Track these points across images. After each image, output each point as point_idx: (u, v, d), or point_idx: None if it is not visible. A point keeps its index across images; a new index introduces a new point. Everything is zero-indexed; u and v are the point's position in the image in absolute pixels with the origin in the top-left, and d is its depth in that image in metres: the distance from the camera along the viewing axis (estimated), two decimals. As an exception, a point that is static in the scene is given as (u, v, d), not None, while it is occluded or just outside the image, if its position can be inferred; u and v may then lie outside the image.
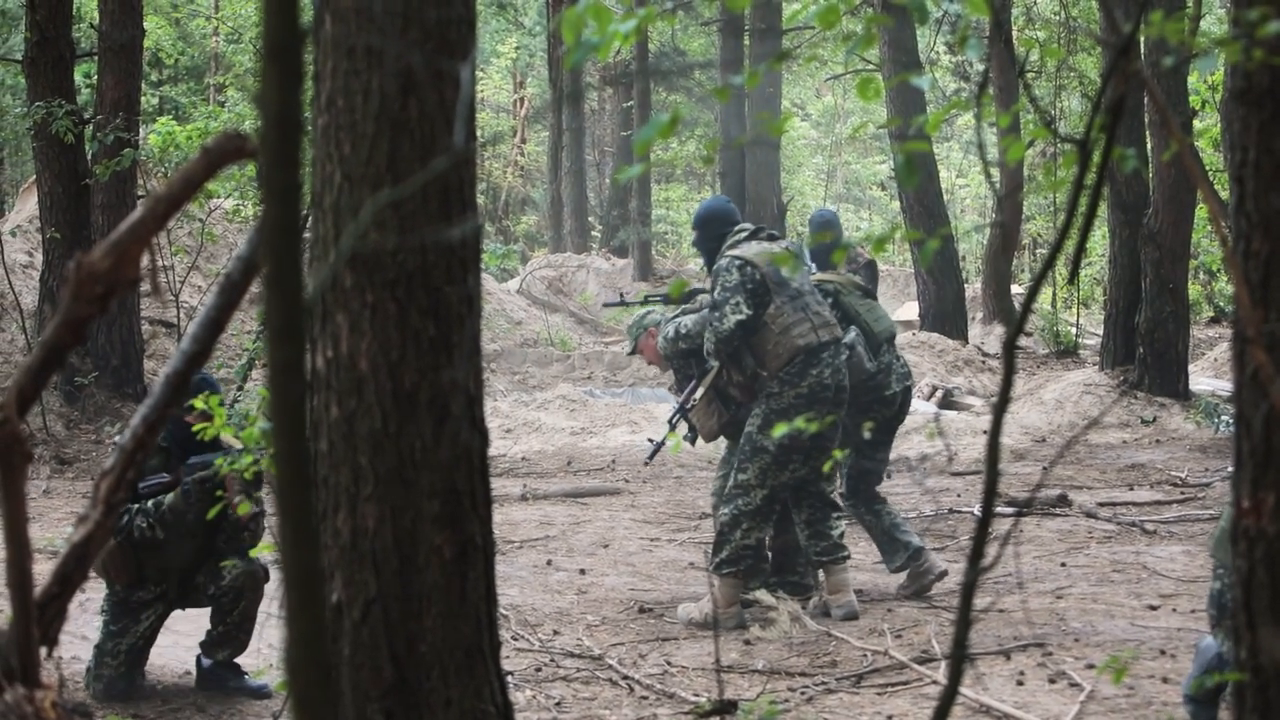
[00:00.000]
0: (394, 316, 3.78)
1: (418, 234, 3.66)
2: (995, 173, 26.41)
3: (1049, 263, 3.14)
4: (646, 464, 10.13)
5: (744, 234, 8.49)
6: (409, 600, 3.80)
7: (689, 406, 8.60)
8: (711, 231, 8.61)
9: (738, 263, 8.27)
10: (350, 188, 3.76)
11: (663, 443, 8.86)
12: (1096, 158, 2.95)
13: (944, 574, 8.89)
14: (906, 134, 17.67)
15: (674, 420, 8.78)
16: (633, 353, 9.25)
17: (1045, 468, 13.94)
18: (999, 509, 11.35)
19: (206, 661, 7.28)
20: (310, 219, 3.89)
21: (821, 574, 8.58)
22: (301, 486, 1.69)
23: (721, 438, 8.72)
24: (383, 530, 3.80)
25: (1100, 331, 21.95)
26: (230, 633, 7.23)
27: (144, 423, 3.58)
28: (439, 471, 3.82)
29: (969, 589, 3.18)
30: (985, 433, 15.53)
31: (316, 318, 3.83)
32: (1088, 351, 24.11)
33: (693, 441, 8.74)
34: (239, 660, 7.31)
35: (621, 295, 9.34)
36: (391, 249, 3.74)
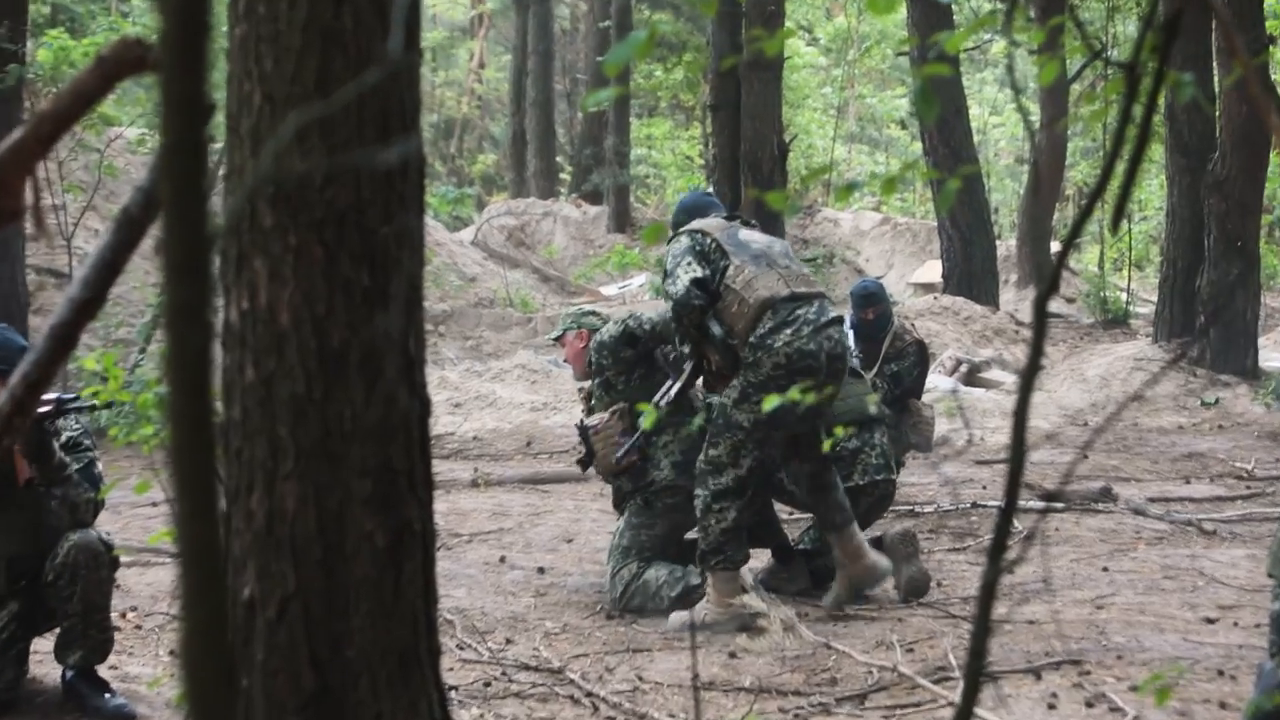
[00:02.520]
0: (321, 262, 3.77)
1: (347, 158, 3.64)
2: (1032, 107, 26.43)
3: (1090, 206, 3.14)
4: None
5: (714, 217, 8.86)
6: (334, 596, 3.80)
7: (661, 404, 8.84)
8: (685, 224, 8.90)
9: (686, 230, 8.63)
10: (272, 110, 3.75)
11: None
12: (1147, 84, 2.95)
13: (908, 532, 9.01)
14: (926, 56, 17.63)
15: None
16: (556, 340, 9.62)
17: (1083, 453, 13.98)
18: (1031, 503, 11.38)
19: (69, 672, 7.00)
20: (225, 147, 3.88)
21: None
22: (201, 450, 1.69)
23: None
24: (304, 513, 3.79)
25: (1154, 298, 21.99)
26: (76, 628, 6.89)
27: (24, 382, 3.57)
28: (371, 445, 3.81)
29: (989, 589, 3.19)
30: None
31: (231, 263, 3.82)
32: (1140, 321, 24.23)
33: (584, 466, 9.22)
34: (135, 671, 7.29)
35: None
36: (319, 182, 3.73)
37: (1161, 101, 16.12)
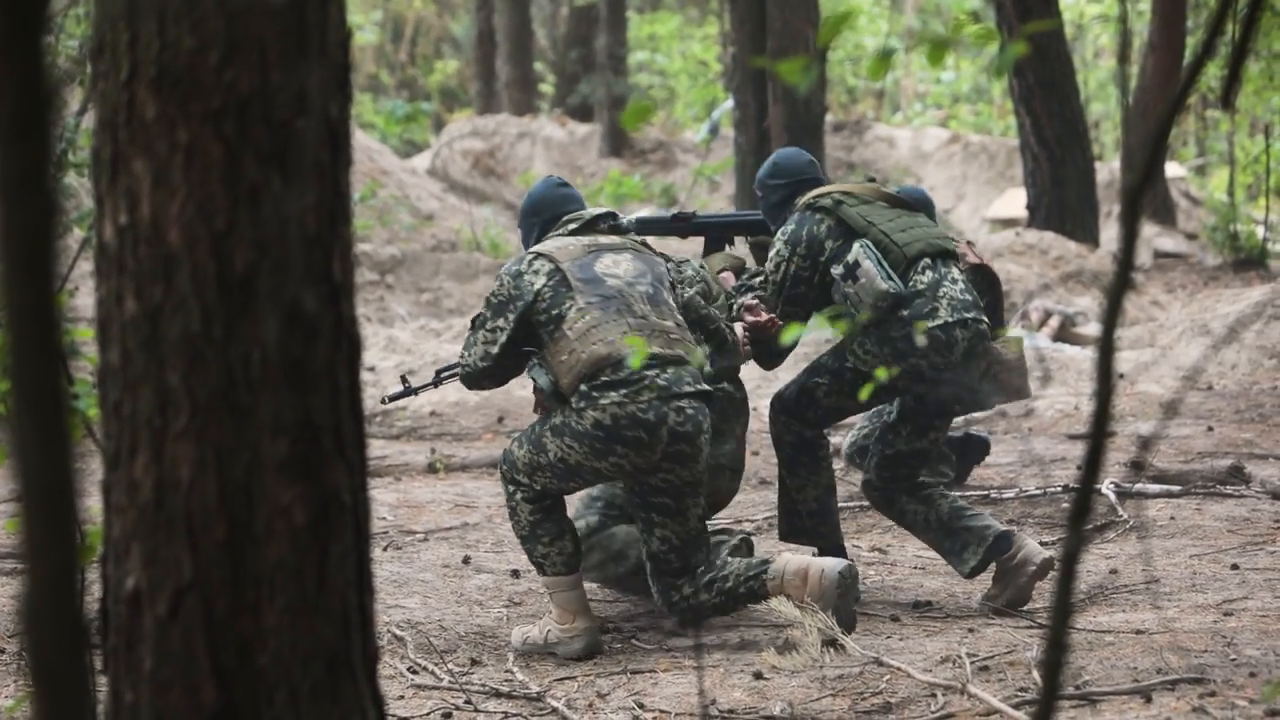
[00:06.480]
0: (219, 164, 3.76)
1: (251, 25, 3.63)
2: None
3: (1193, 72, 3.14)
4: (384, 402, 10.17)
5: (573, 224, 8.72)
6: (242, 587, 3.80)
7: None
8: (533, 229, 8.92)
9: (533, 252, 8.56)
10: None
11: (415, 391, 9.55)
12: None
13: (1049, 563, 8.93)
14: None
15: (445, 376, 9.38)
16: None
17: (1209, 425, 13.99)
18: (1140, 485, 11.38)
19: None
20: (93, 16, 3.87)
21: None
22: (43, 348, 1.69)
23: None
24: (203, 483, 3.79)
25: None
26: None
27: None
28: (287, 395, 3.81)
29: (1071, 560, 3.20)
30: (1121, 378, 15.57)
31: (104, 166, 3.82)
32: (1280, 261, 24.22)
33: None
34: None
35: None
36: (216, 60, 3.72)
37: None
